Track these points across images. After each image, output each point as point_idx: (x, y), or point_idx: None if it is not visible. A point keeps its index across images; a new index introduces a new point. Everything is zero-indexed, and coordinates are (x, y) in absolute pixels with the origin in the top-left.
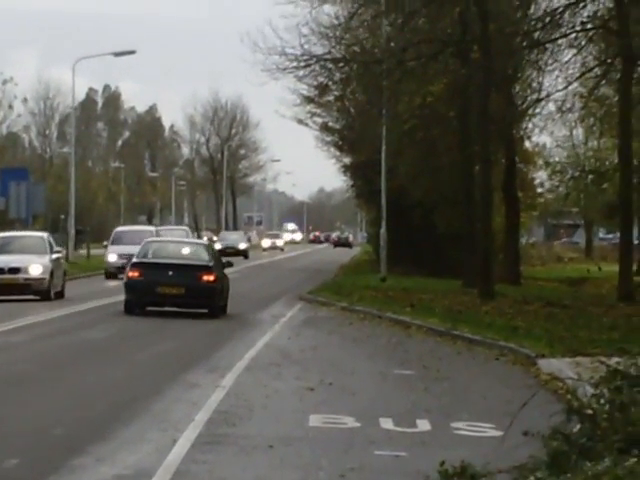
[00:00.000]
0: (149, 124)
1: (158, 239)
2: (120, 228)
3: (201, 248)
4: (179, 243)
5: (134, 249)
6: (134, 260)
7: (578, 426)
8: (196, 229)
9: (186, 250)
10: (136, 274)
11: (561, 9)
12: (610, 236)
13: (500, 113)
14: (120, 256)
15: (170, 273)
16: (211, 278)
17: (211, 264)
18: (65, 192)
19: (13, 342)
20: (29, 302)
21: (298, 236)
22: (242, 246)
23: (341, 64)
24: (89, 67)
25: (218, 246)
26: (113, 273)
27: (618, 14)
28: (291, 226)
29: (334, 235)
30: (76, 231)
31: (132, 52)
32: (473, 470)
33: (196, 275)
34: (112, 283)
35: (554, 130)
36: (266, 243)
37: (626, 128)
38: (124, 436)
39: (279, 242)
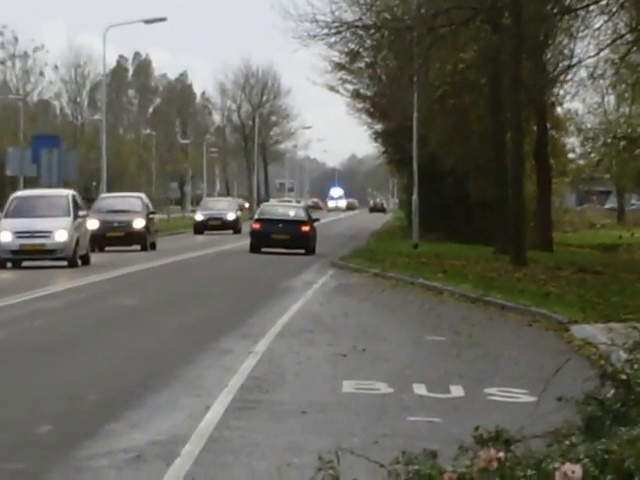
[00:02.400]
0: (180, 91)
1: (271, 203)
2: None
3: (300, 208)
4: (284, 206)
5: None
6: (256, 217)
7: (612, 391)
8: (228, 195)
9: (289, 210)
10: (257, 226)
11: None
12: None
13: (531, 80)
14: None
15: (280, 225)
16: (307, 229)
17: (306, 219)
18: (96, 159)
19: (46, 308)
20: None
21: (342, 203)
22: (230, 216)
23: (372, 31)
24: (120, 35)
25: (199, 217)
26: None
27: None
28: (337, 192)
29: (372, 201)
30: (87, 199)
31: (163, 19)
32: (507, 435)
33: (297, 227)
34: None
35: (586, 97)
36: None
37: None
38: (157, 402)
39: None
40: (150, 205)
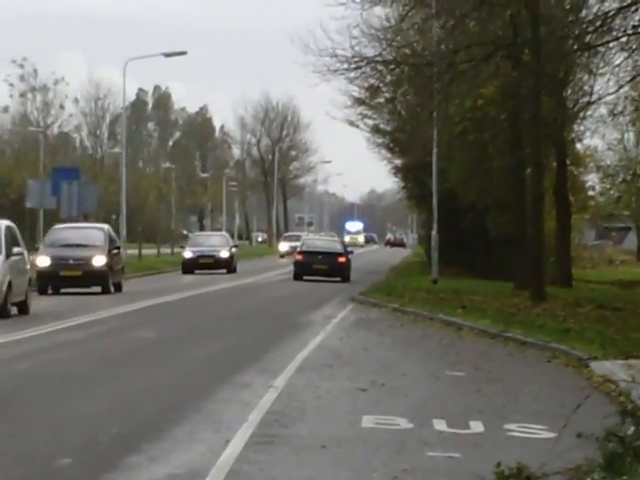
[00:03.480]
0: (200, 125)
1: (311, 236)
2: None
3: (336, 242)
4: (323, 239)
5: None
6: (299, 249)
7: (632, 428)
8: (247, 230)
9: (327, 243)
10: (300, 257)
11: (613, 12)
12: None
13: (551, 116)
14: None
15: (319, 257)
16: (343, 260)
17: (342, 252)
18: (116, 192)
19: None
20: None
21: (361, 238)
22: (224, 254)
23: (392, 66)
24: (139, 68)
25: (188, 254)
26: None
27: None
28: (354, 225)
29: (390, 236)
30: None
31: (183, 53)
32: (528, 472)
33: (334, 258)
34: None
35: (605, 133)
36: (284, 247)
37: None
38: (177, 436)
39: None
40: (116, 238)
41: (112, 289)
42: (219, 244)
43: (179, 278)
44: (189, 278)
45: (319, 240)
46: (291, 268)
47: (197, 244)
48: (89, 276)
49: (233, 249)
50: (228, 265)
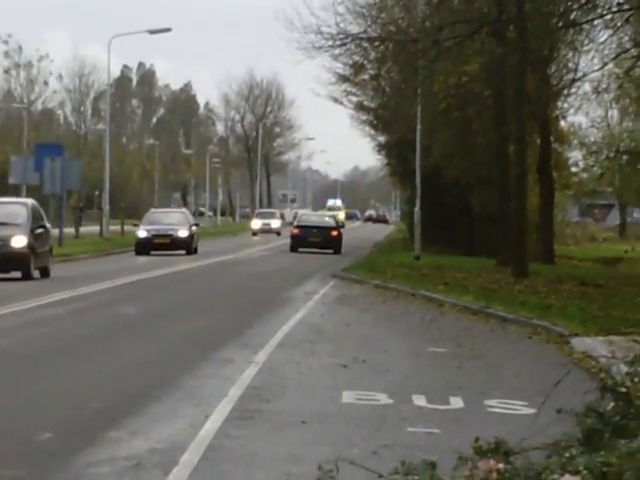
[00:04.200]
0: (184, 101)
1: (307, 212)
2: None
3: (330, 217)
4: (317, 215)
5: None
6: (295, 223)
7: (612, 404)
8: (230, 206)
9: (321, 218)
10: (296, 231)
11: None
12: None
13: (536, 93)
14: None
15: (314, 230)
16: (335, 233)
17: (335, 226)
18: (99, 169)
19: (48, 315)
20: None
21: (342, 215)
22: (182, 233)
23: (377, 43)
24: (124, 45)
25: (142, 233)
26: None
27: None
28: (334, 202)
29: (372, 212)
30: (79, 208)
31: (167, 30)
32: (507, 447)
33: (328, 232)
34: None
35: (589, 110)
36: (256, 224)
37: None
38: (158, 411)
39: (274, 223)
40: (42, 215)
41: (35, 274)
42: (177, 222)
43: (131, 260)
44: (142, 259)
45: (313, 215)
46: (262, 247)
47: (153, 222)
48: (7, 260)
49: (193, 228)
50: (187, 246)
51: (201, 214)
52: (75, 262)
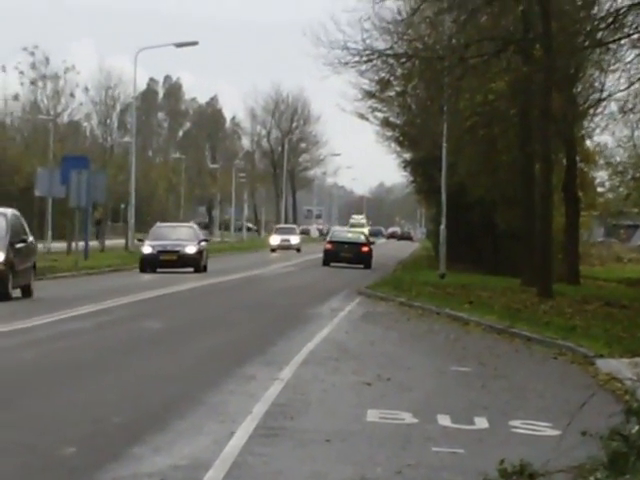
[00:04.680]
0: (210, 115)
1: (340, 229)
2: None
3: (360, 234)
4: (350, 231)
5: None
6: (328, 239)
7: (637, 427)
8: (256, 222)
9: (353, 234)
10: (329, 246)
11: (624, 9)
12: None
13: (561, 112)
14: None
15: (346, 246)
16: (366, 249)
17: (366, 242)
18: (125, 182)
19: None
20: None
21: (365, 232)
22: (190, 249)
23: (403, 60)
24: (150, 58)
25: (147, 249)
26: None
27: None
28: (357, 218)
29: (396, 229)
30: (96, 221)
31: (194, 43)
32: (532, 469)
33: (359, 247)
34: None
35: (615, 130)
36: (275, 240)
37: None
38: (181, 427)
39: (294, 239)
40: (24, 228)
41: (13, 294)
42: (185, 238)
43: (135, 277)
44: (147, 277)
45: (346, 232)
46: (282, 264)
47: (159, 237)
48: None
49: (202, 244)
50: (195, 263)
51: (249, 229)
52: (99, 275)
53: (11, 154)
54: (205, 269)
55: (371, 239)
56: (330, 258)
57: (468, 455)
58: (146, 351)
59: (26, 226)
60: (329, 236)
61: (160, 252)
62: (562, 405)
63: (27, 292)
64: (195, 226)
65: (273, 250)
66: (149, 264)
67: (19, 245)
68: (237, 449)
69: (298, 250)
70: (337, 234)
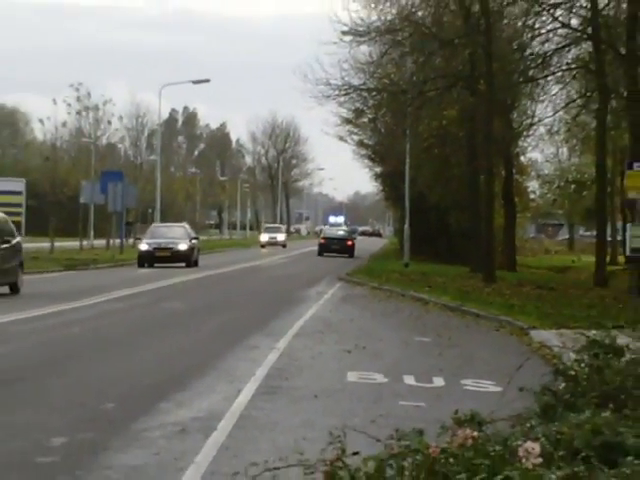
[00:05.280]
0: (219, 138)
1: (330, 228)
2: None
3: (346, 230)
4: (337, 229)
5: None
6: (322, 236)
7: (563, 384)
8: (257, 222)
9: (340, 231)
10: (323, 241)
11: (550, 52)
12: (588, 233)
13: (501, 134)
14: None
15: (335, 241)
16: (350, 243)
17: (350, 237)
18: (152, 191)
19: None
20: None
21: (341, 231)
22: (182, 246)
23: (374, 93)
24: (172, 92)
25: (143, 247)
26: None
27: (596, 57)
28: (334, 219)
29: (367, 228)
30: (127, 223)
31: (207, 80)
32: (480, 418)
33: (345, 242)
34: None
35: (544, 148)
36: (264, 238)
37: (601, 148)
38: (198, 387)
39: (280, 237)
40: (12, 229)
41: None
42: (178, 236)
43: (131, 272)
44: (143, 271)
45: (335, 230)
46: (272, 258)
47: (155, 236)
48: None
49: (193, 241)
50: (187, 258)
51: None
52: (124, 267)
53: (61, 170)
54: (196, 264)
55: None
56: (323, 250)
57: (428, 407)
58: (170, 327)
59: (13, 228)
60: (322, 234)
61: (155, 249)
62: (503, 367)
63: (14, 289)
64: (187, 226)
65: (262, 246)
66: (146, 259)
67: (3, 246)
68: (243, 404)
69: (284, 246)
70: (328, 232)
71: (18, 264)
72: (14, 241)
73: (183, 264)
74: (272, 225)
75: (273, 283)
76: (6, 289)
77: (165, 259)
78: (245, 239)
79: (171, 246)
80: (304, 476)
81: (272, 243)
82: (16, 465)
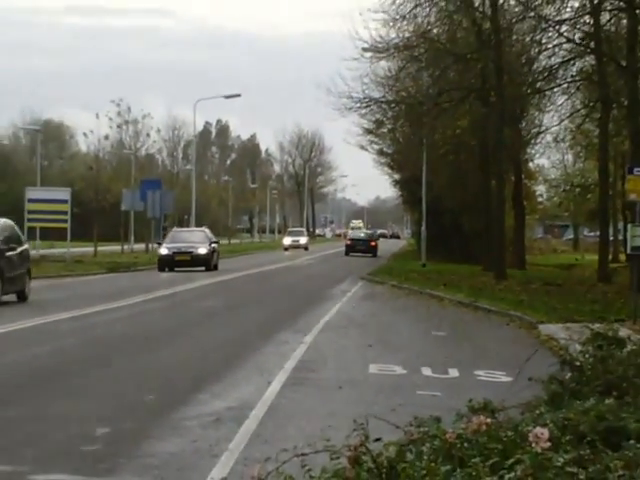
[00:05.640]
0: (250, 148)
1: (355, 230)
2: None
3: (370, 233)
4: (362, 232)
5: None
6: (349, 237)
7: (569, 374)
8: (285, 226)
9: (364, 233)
10: (349, 242)
11: (556, 65)
12: (591, 234)
13: (511, 142)
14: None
15: (360, 242)
16: (373, 244)
17: (374, 238)
18: (188, 198)
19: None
20: None
21: (362, 233)
22: (202, 250)
23: (392, 105)
24: (206, 106)
25: (164, 251)
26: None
27: (598, 70)
28: (356, 223)
29: (386, 231)
30: (163, 228)
31: (238, 95)
32: (492, 406)
33: (369, 242)
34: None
35: (550, 155)
36: (287, 241)
37: (604, 154)
38: (232, 379)
39: (302, 240)
40: (19, 235)
41: (5, 298)
42: (197, 240)
43: (153, 276)
44: (164, 275)
45: (360, 232)
46: (296, 260)
47: (175, 240)
48: None
49: (213, 245)
50: (207, 262)
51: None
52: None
53: (103, 179)
54: (216, 267)
55: None
56: (350, 250)
57: (444, 397)
58: (205, 324)
59: (20, 234)
60: (348, 236)
61: (175, 253)
62: (513, 359)
63: (22, 297)
64: (207, 230)
65: (286, 249)
66: (166, 264)
67: (9, 253)
68: (273, 394)
69: (306, 249)
70: (354, 234)
71: (26, 271)
72: (21, 248)
73: (203, 268)
74: (295, 229)
75: (299, 283)
76: (14, 297)
77: (185, 263)
78: (273, 242)
79: (191, 250)
80: (330, 461)
81: (295, 246)
82: (63, 453)
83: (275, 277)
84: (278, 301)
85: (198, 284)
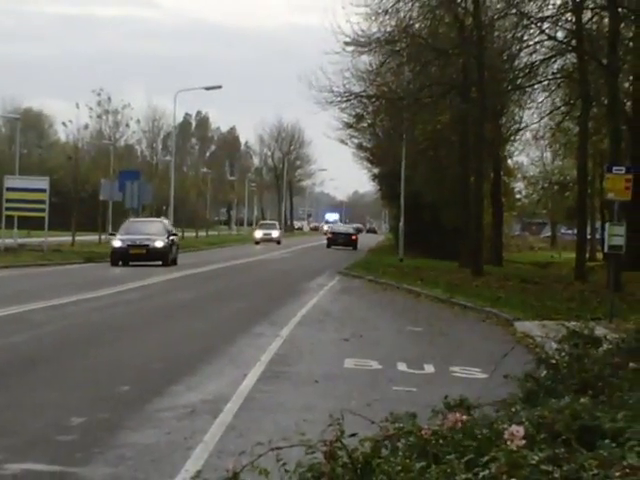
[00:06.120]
0: (229, 140)
1: (336, 225)
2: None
3: (351, 227)
4: (343, 226)
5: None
6: (330, 231)
7: (545, 372)
8: (263, 219)
9: (345, 227)
10: (330, 236)
11: (537, 62)
12: (569, 232)
13: (491, 138)
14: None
15: (341, 235)
16: (354, 237)
17: (354, 232)
18: (166, 190)
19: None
20: None
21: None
22: (158, 243)
23: (373, 100)
24: (186, 97)
25: (117, 243)
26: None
27: (579, 68)
28: (331, 216)
29: (360, 226)
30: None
31: (219, 87)
32: (468, 403)
33: (350, 236)
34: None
35: (530, 152)
36: (258, 234)
37: (583, 152)
38: (207, 371)
39: (274, 233)
40: None
41: None
42: (154, 232)
43: (102, 270)
44: (117, 270)
45: (341, 226)
46: (269, 254)
47: (129, 231)
48: None
49: (172, 237)
50: (164, 257)
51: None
52: None
53: (82, 169)
54: (175, 262)
55: None
56: (331, 243)
57: (420, 392)
58: (179, 315)
59: None
60: (330, 230)
61: (130, 246)
62: (489, 355)
63: None
64: (165, 221)
65: (257, 242)
66: (120, 257)
67: None
68: (249, 387)
69: (278, 242)
70: (335, 228)
71: None
72: None
73: (159, 262)
74: (267, 222)
75: (275, 276)
76: None
77: (140, 257)
78: (249, 235)
79: (147, 243)
80: (305, 455)
81: (266, 239)
82: (39, 443)
83: (248, 271)
84: (254, 294)
85: (148, 282)
